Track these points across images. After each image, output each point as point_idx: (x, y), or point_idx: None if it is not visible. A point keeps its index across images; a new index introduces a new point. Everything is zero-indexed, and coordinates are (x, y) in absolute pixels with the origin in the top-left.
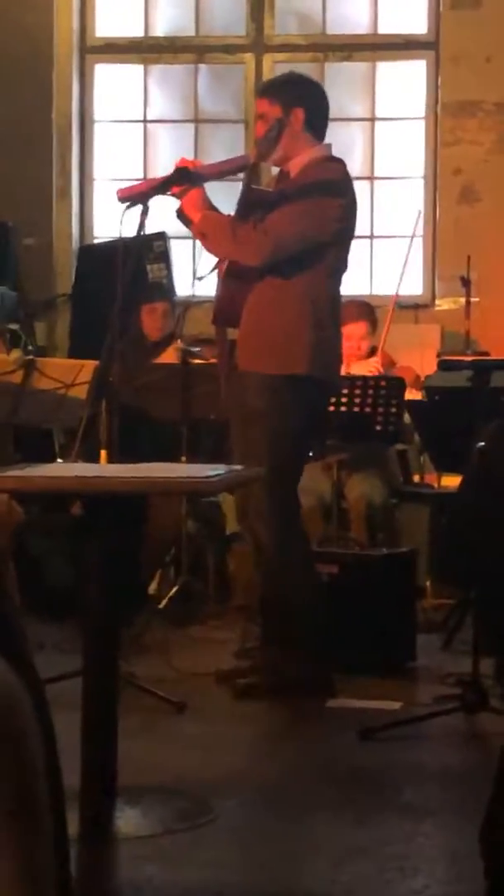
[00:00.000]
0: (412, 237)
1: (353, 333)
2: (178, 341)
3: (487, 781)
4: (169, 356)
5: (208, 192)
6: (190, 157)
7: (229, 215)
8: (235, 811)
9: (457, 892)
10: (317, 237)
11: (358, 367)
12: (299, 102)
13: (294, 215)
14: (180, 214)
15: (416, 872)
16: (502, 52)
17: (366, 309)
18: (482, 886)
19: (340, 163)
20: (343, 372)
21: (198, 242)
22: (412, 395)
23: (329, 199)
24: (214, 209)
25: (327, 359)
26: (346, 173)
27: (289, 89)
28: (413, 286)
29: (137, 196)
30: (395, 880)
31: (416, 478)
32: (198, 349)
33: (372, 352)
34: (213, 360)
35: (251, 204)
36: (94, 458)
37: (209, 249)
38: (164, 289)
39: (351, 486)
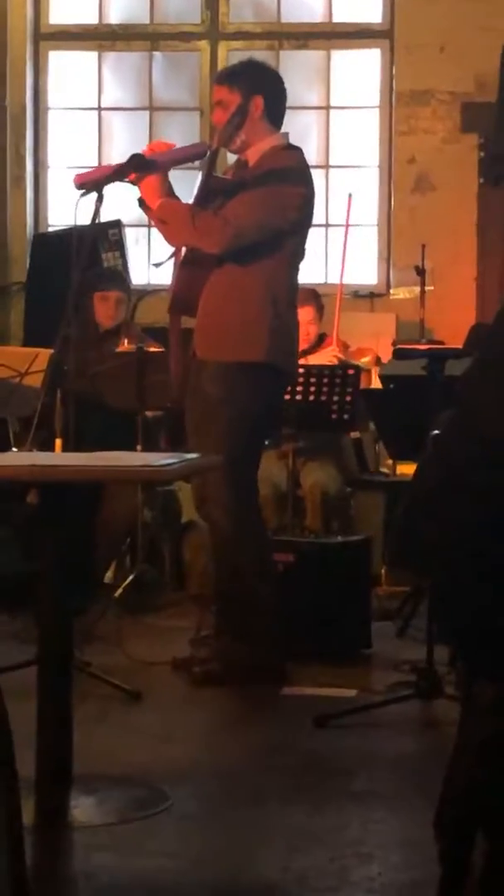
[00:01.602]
0: (346, 225)
1: (300, 318)
2: (125, 341)
3: (441, 768)
4: (123, 349)
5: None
6: (145, 144)
7: (188, 203)
8: (190, 799)
9: (411, 878)
10: (277, 225)
11: (316, 358)
12: (258, 90)
13: (254, 203)
14: (141, 202)
15: (371, 859)
16: (456, 41)
17: (311, 294)
18: (436, 872)
19: (298, 151)
20: (301, 363)
21: (153, 230)
22: (376, 373)
23: (289, 188)
24: (174, 196)
25: (285, 347)
26: (305, 161)
27: (248, 76)
28: (368, 275)
29: (94, 182)
30: (349, 867)
31: (372, 466)
32: (144, 343)
33: (320, 338)
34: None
35: (211, 192)
36: (49, 447)
37: (168, 237)
38: (118, 277)
39: (306, 474)
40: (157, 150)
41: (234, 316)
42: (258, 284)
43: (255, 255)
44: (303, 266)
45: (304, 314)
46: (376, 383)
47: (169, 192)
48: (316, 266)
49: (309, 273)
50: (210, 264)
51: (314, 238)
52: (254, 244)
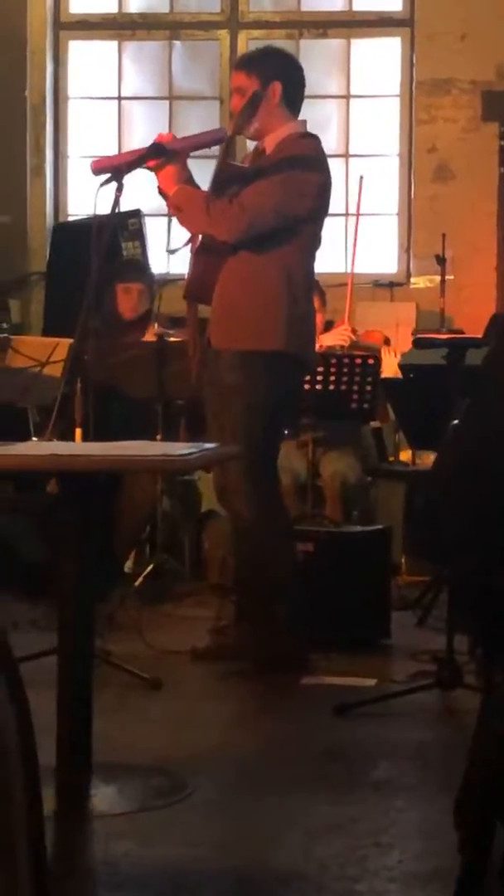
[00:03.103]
0: (357, 214)
1: None
2: (156, 325)
3: (461, 757)
4: (148, 338)
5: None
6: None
7: (204, 190)
8: (210, 788)
9: (431, 867)
10: (292, 213)
11: (328, 337)
12: (277, 76)
13: (270, 191)
14: (160, 189)
15: (391, 848)
16: (477, 30)
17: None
18: (456, 861)
19: (316, 139)
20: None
21: (173, 220)
22: (387, 354)
23: (305, 175)
24: (193, 184)
25: (302, 336)
26: (322, 150)
27: (267, 62)
28: (388, 264)
29: (110, 168)
30: (369, 856)
31: (391, 455)
32: (172, 331)
33: (328, 326)
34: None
35: (226, 179)
36: (69, 437)
37: (184, 224)
38: (141, 268)
39: (326, 463)
40: (166, 140)
41: (250, 304)
42: (274, 272)
43: (270, 243)
44: (321, 255)
45: None
46: (389, 363)
47: (187, 179)
48: (335, 255)
49: (328, 262)
50: (225, 252)
51: (336, 228)
52: (270, 232)
